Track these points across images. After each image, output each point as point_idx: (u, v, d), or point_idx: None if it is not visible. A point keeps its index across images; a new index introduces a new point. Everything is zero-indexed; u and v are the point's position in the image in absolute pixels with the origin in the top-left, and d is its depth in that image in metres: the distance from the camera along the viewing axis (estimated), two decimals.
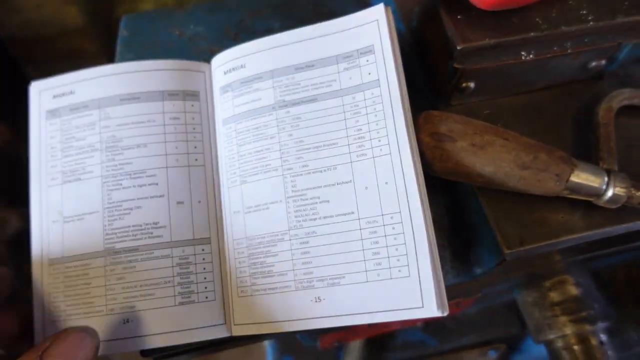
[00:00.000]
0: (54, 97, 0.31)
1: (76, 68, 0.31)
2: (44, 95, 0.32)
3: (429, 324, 0.56)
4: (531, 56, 0.29)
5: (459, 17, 0.28)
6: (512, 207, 0.28)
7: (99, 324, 0.28)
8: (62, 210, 0.30)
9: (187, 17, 0.38)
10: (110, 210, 0.29)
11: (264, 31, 0.35)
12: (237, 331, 0.27)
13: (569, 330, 0.36)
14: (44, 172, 0.30)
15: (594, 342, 0.36)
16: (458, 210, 0.31)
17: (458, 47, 0.28)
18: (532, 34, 0.28)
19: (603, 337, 0.37)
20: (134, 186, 0.29)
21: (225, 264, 0.29)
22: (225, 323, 0.28)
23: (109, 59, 0.37)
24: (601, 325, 0.36)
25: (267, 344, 0.57)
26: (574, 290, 0.37)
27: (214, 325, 0.28)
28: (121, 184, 0.29)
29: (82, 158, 0.30)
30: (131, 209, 0.29)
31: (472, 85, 0.30)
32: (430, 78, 0.32)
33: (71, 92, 0.31)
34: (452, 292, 0.31)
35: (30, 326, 0.28)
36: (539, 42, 0.28)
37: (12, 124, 1.05)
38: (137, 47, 0.37)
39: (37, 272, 0.29)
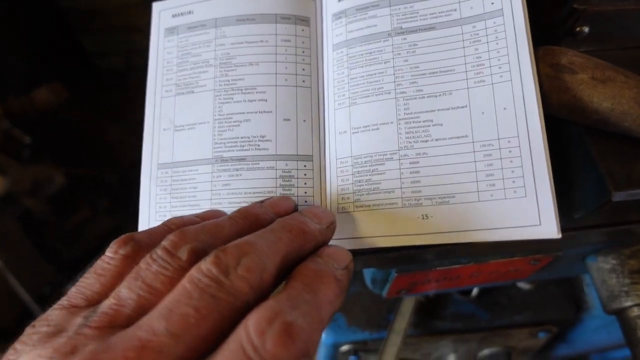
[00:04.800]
0: (173, 16, 0.33)
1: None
2: (164, 14, 0.33)
3: (482, 297, 0.55)
4: None
5: None
6: (621, 149, 0.28)
7: None
8: (173, 119, 0.31)
9: None
10: (220, 122, 0.30)
11: None
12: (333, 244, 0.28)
13: None
14: (159, 84, 0.32)
15: None
16: (557, 156, 0.31)
17: None
18: None
19: None
20: (244, 101, 0.30)
21: (325, 182, 0.29)
22: None
23: None
24: None
25: None
26: None
27: None
28: (232, 98, 0.31)
29: (196, 72, 0.32)
30: (240, 121, 0.30)
31: (586, 30, 0.29)
32: (537, 21, 0.32)
33: (189, 12, 0.33)
34: (536, 244, 0.31)
35: None
36: None
37: (68, 89, 1.09)
38: None
39: (145, 174, 0.31)
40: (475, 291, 0.56)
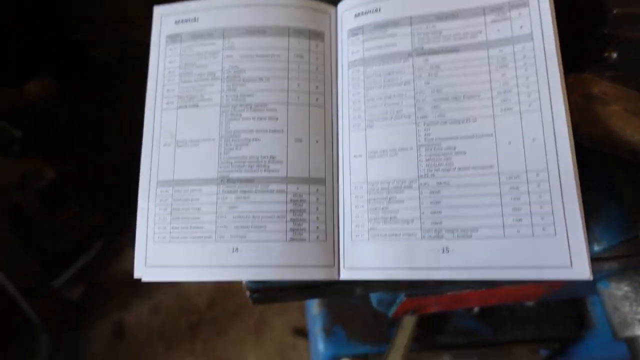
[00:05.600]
0: (176, 22, 0.31)
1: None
2: (166, 20, 0.31)
3: (484, 313, 0.55)
4: None
5: None
6: None
7: (207, 249, 0.27)
8: (175, 134, 0.29)
9: None
10: (227, 140, 0.29)
11: None
12: (346, 275, 0.27)
13: None
14: (159, 96, 0.30)
15: None
16: None
17: (614, 11, 0.26)
18: None
19: None
20: (253, 118, 0.29)
21: (338, 207, 0.28)
22: (334, 266, 0.27)
23: None
24: None
25: (317, 311, 0.57)
26: None
27: (323, 266, 0.27)
28: (241, 115, 0.29)
29: (201, 85, 0.30)
30: (249, 140, 0.28)
31: (614, 55, 0.28)
32: (561, 46, 0.31)
33: (195, 19, 0.31)
34: None
35: None
36: None
37: (57, 81, 1.06)
38: None
39: (143, 191, 0.29)
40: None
